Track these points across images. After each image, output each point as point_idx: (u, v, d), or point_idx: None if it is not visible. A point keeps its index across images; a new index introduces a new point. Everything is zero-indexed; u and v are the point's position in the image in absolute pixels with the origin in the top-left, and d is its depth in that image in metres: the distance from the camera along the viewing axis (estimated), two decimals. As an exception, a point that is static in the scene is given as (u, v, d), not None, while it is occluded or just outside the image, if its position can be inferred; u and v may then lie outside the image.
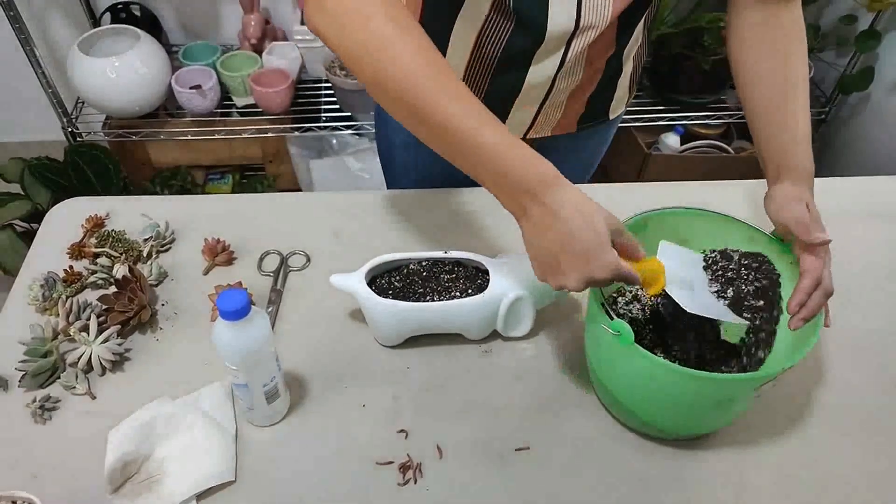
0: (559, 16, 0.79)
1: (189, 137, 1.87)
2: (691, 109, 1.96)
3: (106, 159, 1.78)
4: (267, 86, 1.80)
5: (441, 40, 0.87)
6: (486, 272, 0.83)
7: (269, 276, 0.93)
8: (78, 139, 1.87)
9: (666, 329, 0.80)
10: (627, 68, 0.97)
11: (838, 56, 1.92)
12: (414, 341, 0.86)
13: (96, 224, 0.96)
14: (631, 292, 0.84)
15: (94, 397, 0.79)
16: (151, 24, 1.99)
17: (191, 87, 1.80)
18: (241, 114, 1.91)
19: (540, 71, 0.87)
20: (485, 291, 0.81)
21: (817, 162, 0.81)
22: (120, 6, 1.96)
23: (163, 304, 0.89)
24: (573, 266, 0.63)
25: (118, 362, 0.82)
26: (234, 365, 0.68)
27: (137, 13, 1.98)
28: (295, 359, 0.84)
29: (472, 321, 0.82)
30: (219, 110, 1.87)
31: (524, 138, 1.00)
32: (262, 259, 0.95)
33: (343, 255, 0.95)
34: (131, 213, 1.00)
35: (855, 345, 0.88)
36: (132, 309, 0.83)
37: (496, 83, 0.90)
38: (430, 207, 1.03)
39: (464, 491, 0.73)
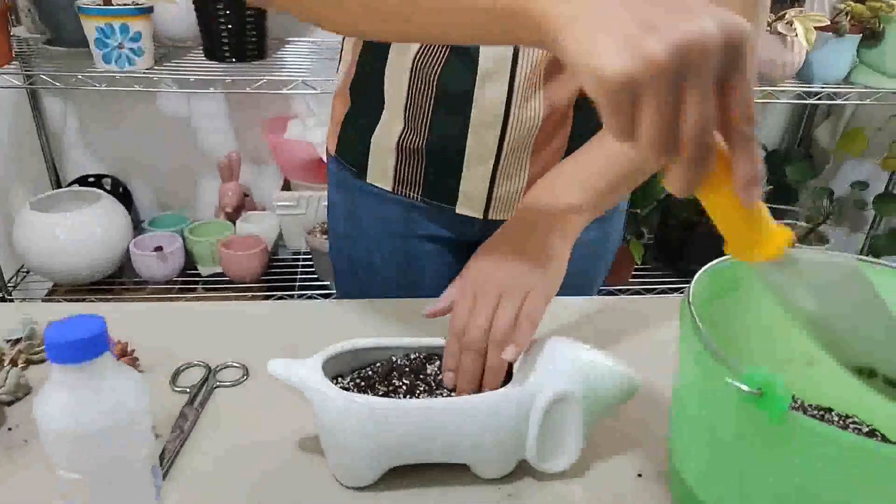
0: None
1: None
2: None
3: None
4: (237, 250, 1.61)
5: (379, 60, 0.75)
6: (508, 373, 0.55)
7: (185, 392, 0.64)
8: (12, 312, 1.62)
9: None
10: None
11: (852, 231, 1.81)
12: (395, 479, 0.54)
13: (-48, 326, 0.69)
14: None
15: None
16: (122, 198, 1.86)
17: (152, 250, 1.60)
18: (206, 283, 1.69)
19: (485, 104, 0.72)
20: (509, 385, 0.53)
21: None
22: (91, 179, 1.85)
23: (9, 429, 0.58)
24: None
25: None
26: (70, 468, 0.37)
27: (108, 187, 1.86)
28: (201, 506, 0.52)
29: (486, 438, 0.52)
30: (179, 279, 1.65)
31: (484, 218, 0.81)
32: (178, 372, 0.66)
33: (297, 368, 0.66)
34: (12, 317, 0.72)
35: None
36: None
37: (440, 120, 0.74)
38: (411, 315, 0.77)
39: None
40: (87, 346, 0.36)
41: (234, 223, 1.75)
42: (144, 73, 1.37)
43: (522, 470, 0.56)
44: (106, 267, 1.60)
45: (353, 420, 0.50)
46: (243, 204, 1.82)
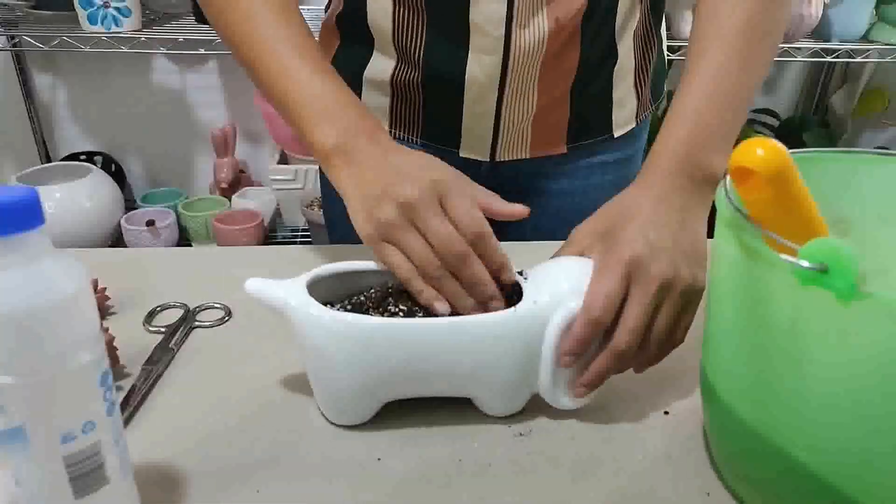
0: None
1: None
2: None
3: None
4: (232, 224, 1.56)
5: None
6: (516, 296, 0.49)
7: (160, 332, 0.58)
8: None
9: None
10: (625, 54, 0.71)
11: None
12: (391, 417, 0.48)
13: None
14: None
15: None
16: (115, 176, 1.81)
17: (144, 225, 1.55)
18: (201, 261, 1.63)
19: (481, 22, 0.64)
20: (519, 304, 0.46)
21: None
22: (82, 157, 1.79)
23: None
24: (410, 173, 0.49)
25: None
26: (1, 368, 0.31)
27: (99, 164, 1.81)
28: (177, 446, 0.46)
29: (493, 365, 0.46)
30: (173, 255, 1.60)
31: (492, 160, 0.74)
32: (153, 313, 0.60)
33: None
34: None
35: None
36: None
37: (434, 49, 0.67)
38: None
39: None
40: (13, 216, 0.30)
41: (230, 199, 1.69)
42: (132, 34, 1.31)
43: (534, 407, 0.50)
44: (96, 242, 1.55)
45: (343, 343, 0.44)
46: (239, 180, 1.76)
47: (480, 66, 0.67)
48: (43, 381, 0.32)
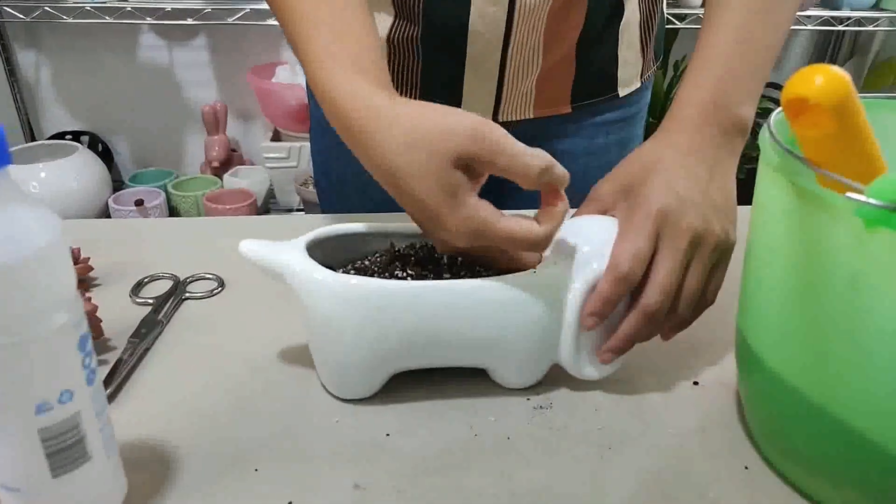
0: None
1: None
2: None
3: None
4: (224, 204, 1.51)
5: None
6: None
7: (147, 304, 0.54)
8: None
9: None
10: (631, 11, 0.68)
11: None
12: (400, 390, 0.45)
13: None
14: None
15: None
16: (102, 156, 1.76)
17: (132, 205, 1.50)
18: (192, 242, 1.59)
19: None
20: (539, 266, 0.43)
21: None
22: (68, 136, 1.74)
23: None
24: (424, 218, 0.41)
25: None
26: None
27: (86, 144, 1.75)
28: (167, 423, 0.42)
29: (511, 331, 0.42)
30: (164, 236, 1.55)
31: (494, 121, 0.70)
32: (140, 284, 0.56)
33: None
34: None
35: None
36: None
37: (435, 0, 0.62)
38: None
39: None
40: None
41: (222, 178, 1.64)
42: (117, 3, 1.26)
43: (553, 379, 0.46)
44: (84, 224, 1.50)
45: (351, 309, 0.41)
46: (231, 159, 1.72)
47: (484, 18, 0.63)
48: (12, 343, 0.28)
